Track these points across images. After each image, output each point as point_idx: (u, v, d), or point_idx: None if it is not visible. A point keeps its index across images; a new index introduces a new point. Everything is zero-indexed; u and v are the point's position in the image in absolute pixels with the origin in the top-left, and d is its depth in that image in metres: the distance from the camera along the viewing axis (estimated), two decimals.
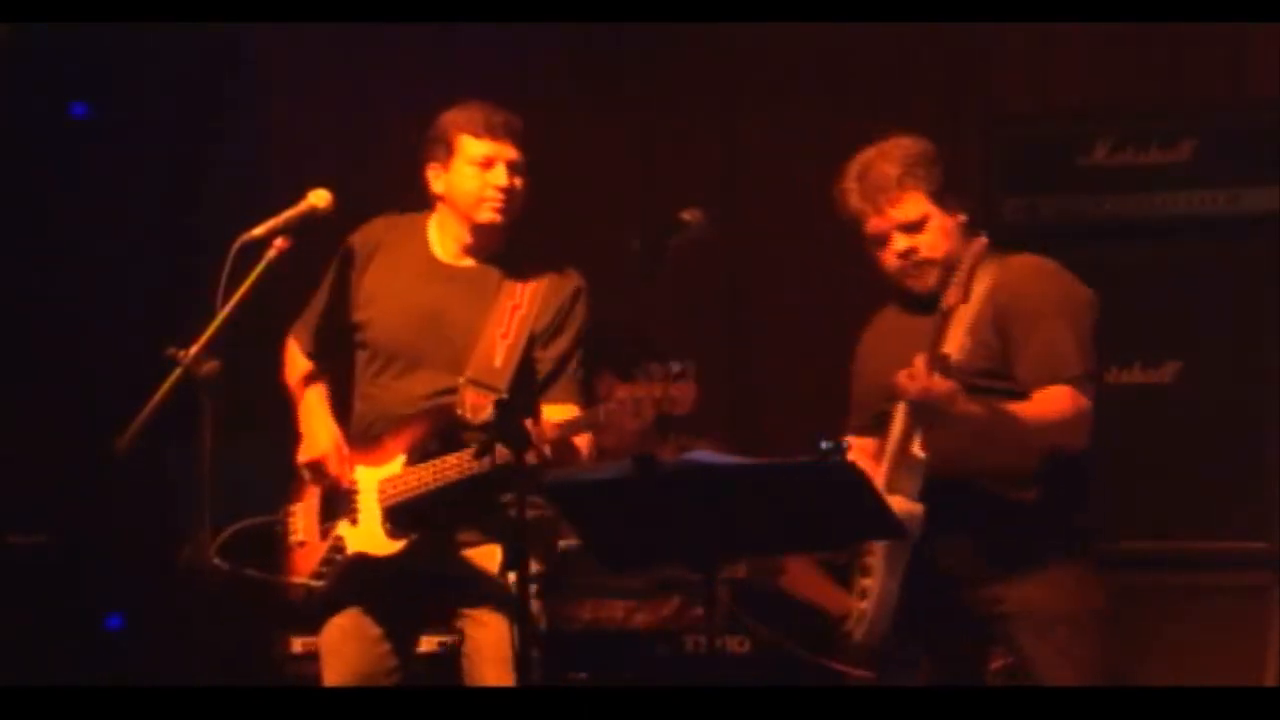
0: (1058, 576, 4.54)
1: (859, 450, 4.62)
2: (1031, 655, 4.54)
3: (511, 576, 4.43)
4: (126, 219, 6.69)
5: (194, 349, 4.57)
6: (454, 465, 4.78)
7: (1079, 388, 4.50)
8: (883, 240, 4.64)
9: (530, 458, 4.53)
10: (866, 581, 4.61)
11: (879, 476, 4.50)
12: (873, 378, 4.72)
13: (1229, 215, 5.77)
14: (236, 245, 4.67)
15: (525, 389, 4.84)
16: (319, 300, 5.11)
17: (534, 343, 4.91)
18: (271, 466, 5.26)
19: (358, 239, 5.08)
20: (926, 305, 4.61)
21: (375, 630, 4.95)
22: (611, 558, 4.59)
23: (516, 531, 4.39)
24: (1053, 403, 4.48)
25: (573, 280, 4.98)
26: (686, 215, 4.60)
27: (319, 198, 4.80)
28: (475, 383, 4.84)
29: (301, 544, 5.02)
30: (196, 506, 4.55)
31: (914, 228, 4.61)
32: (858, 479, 4.24)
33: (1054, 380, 4.49)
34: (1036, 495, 4.54)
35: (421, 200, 5.05)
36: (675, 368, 4.46)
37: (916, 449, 4.47)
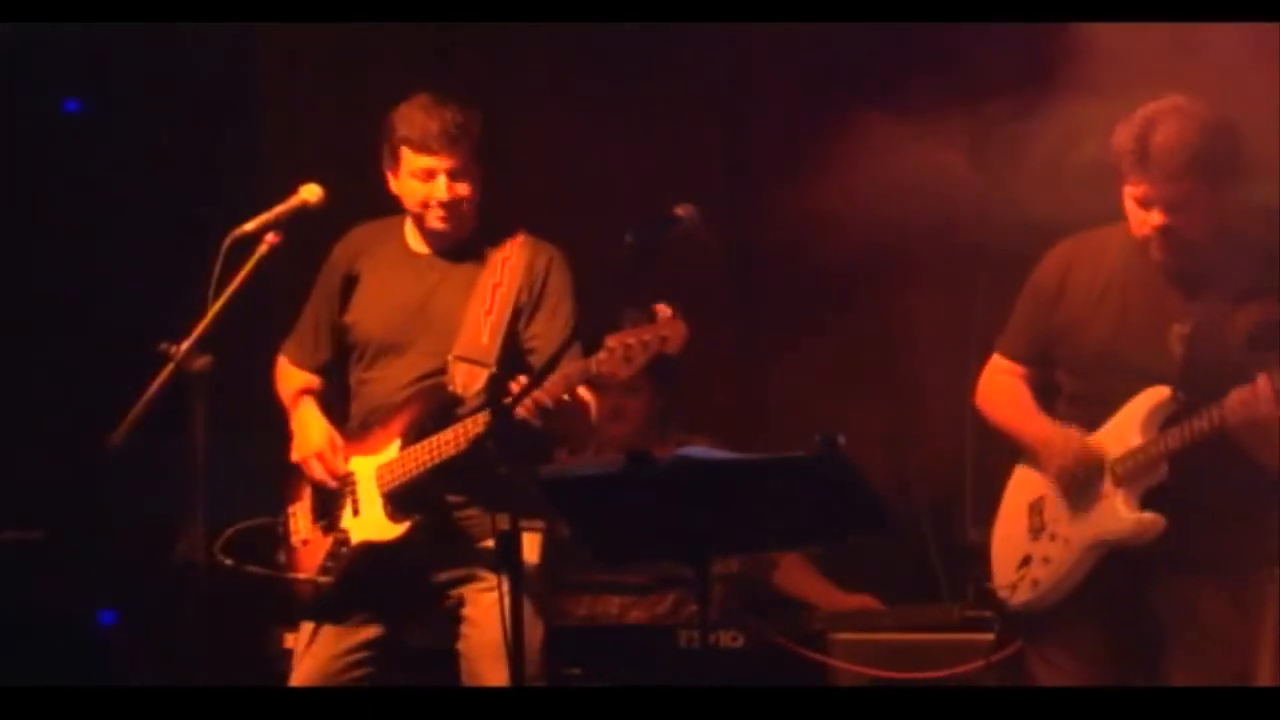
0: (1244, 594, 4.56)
1: (1006, 372, 4.74)
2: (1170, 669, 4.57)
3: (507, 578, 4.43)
4: (119, 215, 6.68)
5: (186, 344, 4.58)
6: (449, 441, 4.81)
7: None
8: (1144, 204, 4.60)
9: (535, 421, 4.58)
10: (1049, 550, 4.61)
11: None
12: (1088, 321, 4.70)
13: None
14: (228, 240, 4.68)
15: (515, 365, 4.86)
16: (308, 315, 5.17)
17: (518, 320, 4.94)
18: (266, 462, 5.25)
19: (340, 250, 5.15)
20: (1174, 275, 4.61)
21: (352, 631, 4.95)
22: (605, 553, 4.59)
23: (511, 527, 4.39)
24: None
25: (545, 252, 5.01)
26: (680, 210, 4.60)
27: (310, 192, 4.80)
28: (464, 359, 4.88)
29: (305, 542, 5.04)
30: (190, 502, 4.55)
31: (1180, 206, 4.57)
32: (851, 473, 4.23)
33: None
34: (1253, 522, 4.57)
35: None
36: (661, 310, 4.45)
37: (1165, 468, 4.50)
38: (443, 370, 4.92)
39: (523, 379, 4.67)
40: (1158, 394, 4.58)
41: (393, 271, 5.06)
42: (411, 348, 4.98)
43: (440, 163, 4.94)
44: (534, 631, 4.76)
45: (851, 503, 4.30)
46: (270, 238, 4.71)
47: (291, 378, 5.18)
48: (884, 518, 4.35)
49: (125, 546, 6.35)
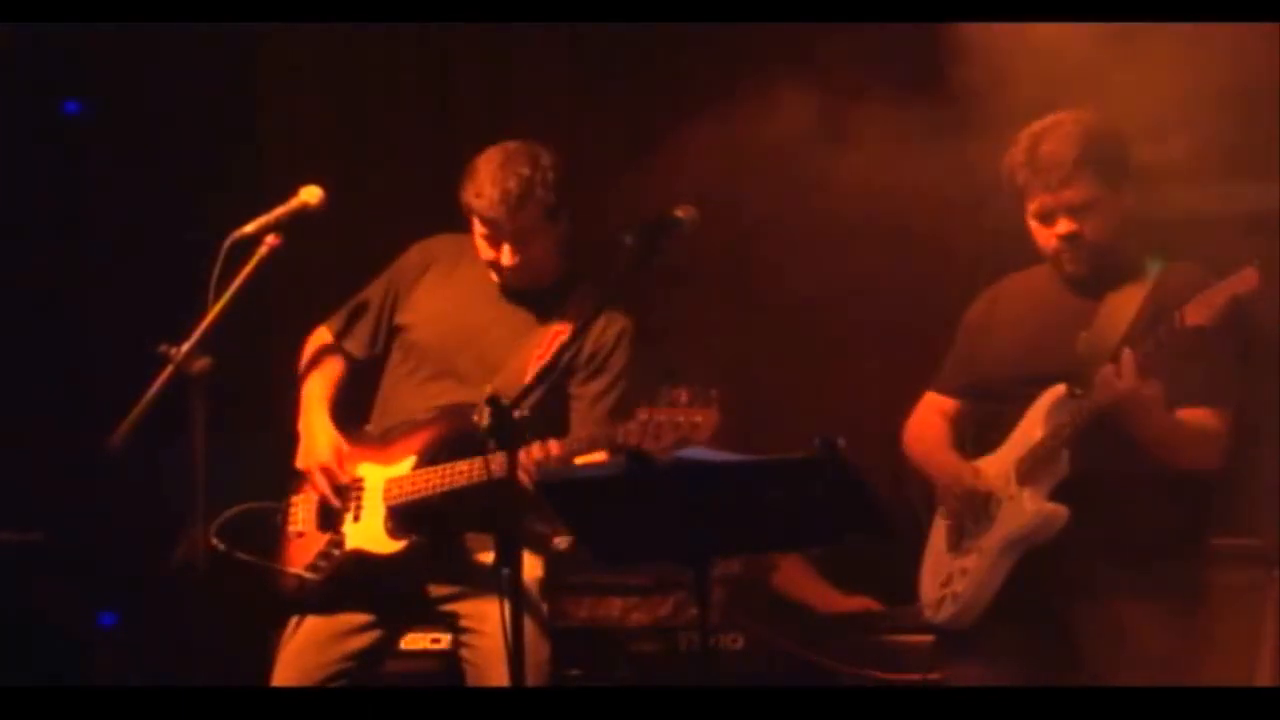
0: (1150, 609, 4.56)
1: (933, 409, 4.83)
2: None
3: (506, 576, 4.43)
4: (119, 216, 6.68)
5: (186, 346, 4.58)
6: (463, 472, 4.80)
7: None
8: (1046, 218, 4.65)
9: (523, 480, 4.53)
10: (966, 563, 4.64)
11: (1001, 457, 4.62)
12: (1008, 348, 4.76)
13: (1224, 214, 5.75)
14: (228, 242, 4.68)
15: (550, 416, 4.84)
16: (365, 298, 5.16)
17: (572, 376, 4.93)
18: (266, 463, 5.25)
19: (419, 249, 5.16)
20: (1085, 286, 4.66)
21: (342, 636, 4.95)
22: (605, 554, 4.59)
23: (510, 529, 4.39)
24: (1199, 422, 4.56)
25: (618, 322, 4.99)
26: (680, 212, 4.59)
27: (310, 194, 4.81)
28: (498, 395, 4.85)
29: (300, 535, 5.04)
30: (189, 504, 4.55)
31: (1081, 211, 4.62)
32: (850, 475, 4.24)
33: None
34: (1161, 513, 4.59)
35: (418, 201, 5.07)
36: (699, 393, 4.45)
37: (1065, 460, 4.55)
38: (476, 401, 4.91)
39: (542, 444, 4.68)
40: (1055, 392, 4.63)
41: (465, 293, 5.06)
42: (455, 373, 4.99)
43: (503, 230, 4.92)
44: (540, 647, 4.77)
45: (851, 504, 4.29)
46: (270, 239, 4.71)
47: (316, 345, 5.16)
48: (884, 519, 4.35)
49: (125, 548, 6.35)
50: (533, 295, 5.03)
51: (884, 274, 6.43)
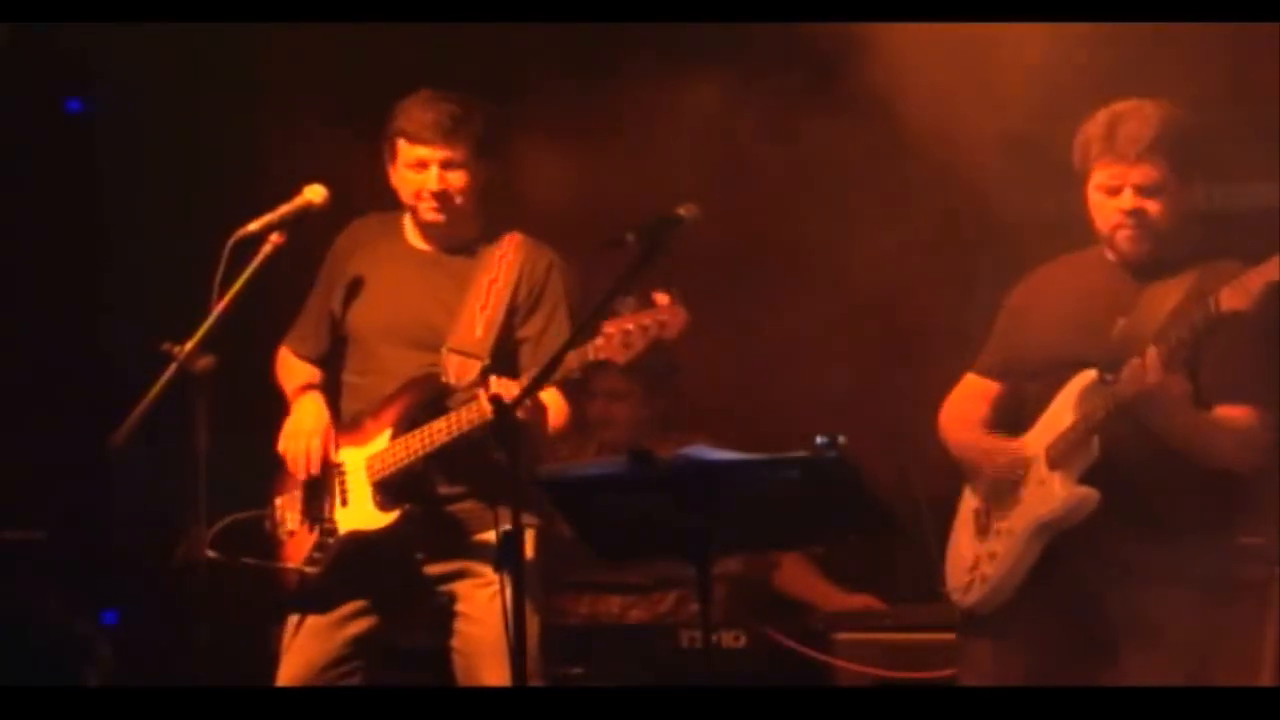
0: (1181, 598, 4.56)
1: (973, 392, 4.84)
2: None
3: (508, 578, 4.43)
4: (122, 214, 6.68)
5: (189, 345, 4.58)
6: (442, 429, 4.81)
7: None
8: (1113, 191, 4.65)
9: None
10: (994, 546, 4.65)
11: (1031, 441, 4.62)
12: (1047, 331, 4.77)
13: (1218, 211, 5.76)
14: (231, 241, 4.68)
15: (507, 360, 4.88)
16: (312, 305, 5.18)
17: (513, 318, 4.94)
18: (268, 464, 5.26)
19: (340, 242, 5.17)
20: (1132, 271, 4.66)
21: (341, 622, 4.95)
22: (606, 551, 4.60)
23: (511, 529, 4.39)
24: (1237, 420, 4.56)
25: (545, 255, 5.02)
26: (682, 210, 4.60)
27: (314, 193, 4.81)
28: (458, 351, 4.89)
29: (291, 534, 5.05)
30: (192, 502, 4.55)
31: (1150, 191, 4.62)
32: (852, 473, 4.24)
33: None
34: (1189, 508, 4.59)
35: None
36: (660, 297, 4.45)
37: (1095, 444, 4.55)
38: (435, 365, 4.93)
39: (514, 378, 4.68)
40: (1086, 377, 4.65)
41: (391, 267, 5.07)
42: (405, 343, 4.99)
43: (433, 154, 4.94)
44: (531, 628, 4.77)
45: (853, 502, 4.31)
46: (274, 238, 4.72)
47: (294, 370, 5.18)
48: (885, 517, 4.37)
49: (127, 546, 6.36)
50: (454, 250, 5.04)
51: (888, 269, 6.45)
